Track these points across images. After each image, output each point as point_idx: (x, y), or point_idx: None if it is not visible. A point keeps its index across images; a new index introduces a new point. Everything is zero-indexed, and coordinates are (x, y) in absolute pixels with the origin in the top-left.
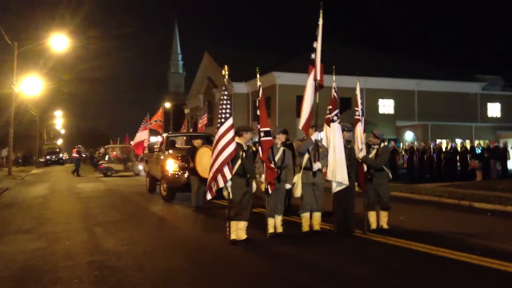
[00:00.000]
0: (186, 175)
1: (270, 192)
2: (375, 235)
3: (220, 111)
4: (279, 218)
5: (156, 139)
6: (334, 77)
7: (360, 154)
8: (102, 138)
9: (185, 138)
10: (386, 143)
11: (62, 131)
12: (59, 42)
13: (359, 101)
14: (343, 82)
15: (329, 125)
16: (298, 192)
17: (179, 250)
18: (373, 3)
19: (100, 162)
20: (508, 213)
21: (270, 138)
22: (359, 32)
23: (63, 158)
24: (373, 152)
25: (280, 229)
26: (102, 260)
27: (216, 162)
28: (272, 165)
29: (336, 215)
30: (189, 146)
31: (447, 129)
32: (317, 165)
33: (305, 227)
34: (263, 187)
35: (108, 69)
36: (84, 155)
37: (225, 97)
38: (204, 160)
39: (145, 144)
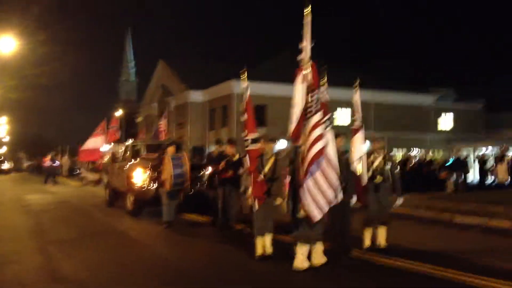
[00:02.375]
0: (155, 187)
1: (256, 207)
2: (376, 255)
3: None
4: (268, 238)
5: (109, 148)
6: (324, 79)
7: (357, 165)
8: (47, 146)
9: (148, 146)
10: None
11: (7, 138)
12: (6, 43)
13: (359, 108)
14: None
15: None
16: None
17: (153, 276)
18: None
19: (79, 170)
20: (493, 228)
21: (258, 146)
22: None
23: (8, 167)
24: (379, 160)
25: (269, 250)
26: None
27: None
28: (262, 177)
29: (331, 232)
30: (155, 155)
31: (403, 140)
32: None
33: None
34: (249, 202)
35: (58, 75)
36: (58, 162)
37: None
38: (167, 170)
39: (103, 152)
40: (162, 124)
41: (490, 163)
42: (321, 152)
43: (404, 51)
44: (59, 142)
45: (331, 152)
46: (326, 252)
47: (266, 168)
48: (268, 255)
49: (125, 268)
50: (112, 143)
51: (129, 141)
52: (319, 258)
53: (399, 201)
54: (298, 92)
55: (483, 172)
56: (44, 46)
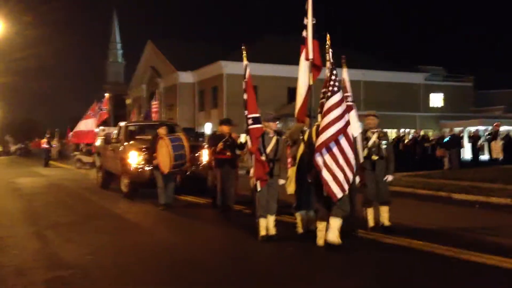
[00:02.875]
0: (150, 169)
1: (259, 188)
2: (381, 234)
3: (329, 84)
4: (271, 219)
5: (99, 129)
6: (329, 55)
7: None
8: (36, 130)
9: (143, 127)
10: None
11: None
12: None
13: (349, 86)
14: (294, 72)
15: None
16: (291, 189)
17: (160, 262)
18: None
19: (74, 153)
20: (493, 205)
21: (260, 125)
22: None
23: None
24: (375, 136)
25: (273, 231)
26: (65, 277)
27: (322, 137)
28: (263, 158)
29: None
30: (150, 137)
31: (393, 118)
32: None
33: (301, 228)
34: (252, 182)
35: (44, 58)
36: (54, 146)
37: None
38: (163, 153)
39: (98, 134)
40: (155, 105)
41: (482, 140)
42: (341, 131)
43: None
44: (48, 126)
45: (352, 132)
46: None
47: (268, 149)
48: (271, 236)
49: (128, 254)
50: (101, 126)
51: (123, 123)
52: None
53: (388, 178)
54: (302, 70)
55: (475, 150)
56: (30, 28)
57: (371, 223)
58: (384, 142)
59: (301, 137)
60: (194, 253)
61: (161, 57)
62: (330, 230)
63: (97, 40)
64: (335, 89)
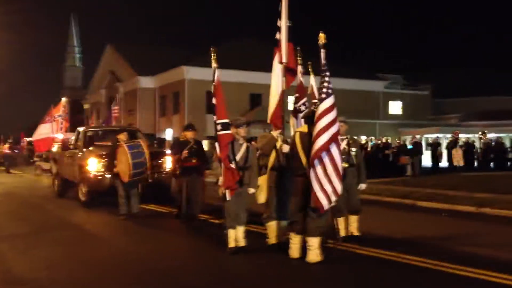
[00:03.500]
0: (110, 176)
1: (228, 198)
2: (352, 245)
3: (320, 87)
4: (241, 230)
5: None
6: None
7: None
8: None
9: (104, 132)
10: None
11: None
12: None
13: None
14: (255, 78)
15: (296, 117)
16: (262, 197)
17: (121, 275)
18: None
19: (34, 159)
20: (459, 213)
21: (229, 131)
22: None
23: None
24: (344, 143)
25: (242, 243)
26: None
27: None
28: (233, 165)
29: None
30: (109, 143)
31: (353, 126)
32: None
33: (272, 239)
34: (221, 192)
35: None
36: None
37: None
38: (123, 161)
39: (56, 140)
40: (115, 110)
41: (442, 147)
42: (333, 138)
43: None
44: (1, 130)
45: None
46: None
47: (238, 156)
48: (241, 247)
49: (87, 267)
50: (64, 132)
51: (81, 128)
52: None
53: (362, 187)
54: (275, 74)
55: (435, 157)
56: None
57: (342, 233)
58: (354, 149)
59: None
60: (159, 266)
61: (121, 61)
62: (311, 251)
63: (55, 44)
64: (329, 91)
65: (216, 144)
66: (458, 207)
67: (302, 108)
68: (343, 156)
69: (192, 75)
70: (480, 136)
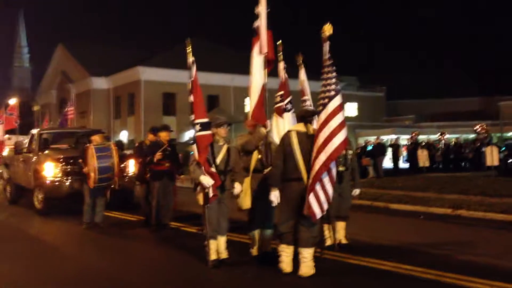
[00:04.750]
0: (69, 182)
1: (208, 205)
2: (341, 254)
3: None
4: (222, 240)
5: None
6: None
7: None
8: None
9: (60, 135)
10: None
11: None
12: None
13: (307, 90)
14: (212, 79)
15: (281, 116)
16: (247, 203)
17: None
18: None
19: None
20: (435, 215)
21: (209, 132)
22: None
23: None
24: None
25: (224, 254)
26: None
27: (320, 157)
28: (213, 170)
29: None
30: (66, 146)
31: None
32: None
33: (255, 250)
34: (200, 198)
35: None
36: None
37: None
38: (90, 164)
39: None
40: (71, 111)
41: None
42: (347, 140)
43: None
44: None
45: None
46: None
47: (218, 159)
48: (223, 259)
49: (51, 285)
50: (7, 134)
51: (36, 130)
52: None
53: (356, 192)
54: (256, 66)
55: (396, 158)
56: None
57: (329, 241)
58: (350, 152)
59: (260, 144)
60: (132, 282)
61: (73, 62)
62: (304, 263)
63: (3, 43)
64: (338, 87)
65: (194, 146)
66: (432, 209)
67: (289, 106)
68: (340, 159)
69: (148, 76)
70: (440, 137)
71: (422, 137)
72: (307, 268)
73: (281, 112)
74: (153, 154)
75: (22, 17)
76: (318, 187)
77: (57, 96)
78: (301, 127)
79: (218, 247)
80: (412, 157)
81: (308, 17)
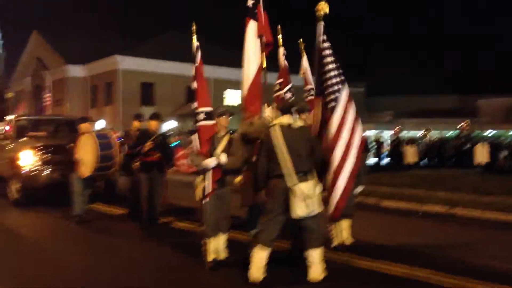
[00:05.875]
0: (47, 171)
1: (207, 199)
2: (348, 255)
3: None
4: (222, 239)
5: None
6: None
7: None
8: None
9: (38, 122)
10: None
11: None
12: None
13: (310, 79)
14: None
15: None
16: (199, 194)
17: None
18: None
19: None
20: (430, 214)
21: (212, 122)
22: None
23: None
24: None
25: (223, 254)
26: None
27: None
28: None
29: (293, 228)
30: (44, 133)
31: None
32: None
33: None
34: (199, 193)
35: None
36: None
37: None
38: (87, 151)
39: None
40: (48, 97)
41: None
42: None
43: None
44: None
45: None
46: (286, 253)
47: (218, 150)
48: (221, 261)
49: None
50: None
51: (11, 116)
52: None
53: (360, 188)
54: (251, 49)
55: (379, 154)
56: None
57: (336, 241)
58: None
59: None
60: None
61: (49, 49)
62: (313, 267)
63: None
64: (340, 80)
65: (194, 137)
66: (426, 207)
67: (288, 95)
68: None
69: (127, 65)
70: (425, 133)
71: (403, 133)
72: (316, 272)
73: (280, 101)
74: (142, 144)
75: None
76: (341, 183)
77: (32, 83)
78: (285, 119)
79: (217, 246)
80: (395, 153)
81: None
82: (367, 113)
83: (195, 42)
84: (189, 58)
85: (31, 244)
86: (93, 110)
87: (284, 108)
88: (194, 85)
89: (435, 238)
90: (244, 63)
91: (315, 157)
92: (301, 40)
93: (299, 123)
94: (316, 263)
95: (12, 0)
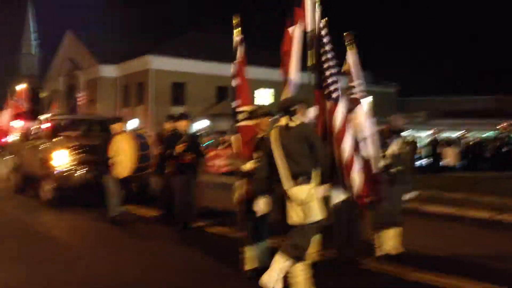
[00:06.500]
0: (82, 172)
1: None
2: (394, 264)
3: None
4: (263, 247)
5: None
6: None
7: (369, 148)
8: None
9: (73, 122)
10: None
11: None
12: None
13: (354, 74)
14: (224, 70)
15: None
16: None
17: None
18: None
19: None
20: (475, 220)
21: (254, 122)
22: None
23: None
24: (399, 142)
25: (263, 262)
26: None
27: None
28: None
29: (337, 236)
30: (79, 133)
31: None
32: None
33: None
34: (238, 196)
35: None
36: None
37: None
38: (125, 152)
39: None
40: (81, 97)
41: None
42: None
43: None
44: None
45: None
46: (331, 262)
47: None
48: (260, 269)
49: None
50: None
51: (46, 115)
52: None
53: (412, 194)
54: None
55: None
56: None
57: (381, 251)
58: (407, 150)
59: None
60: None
61: (82, 49)
62: (269, 271)
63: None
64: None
65: (235, 138)
66: (472, 212)
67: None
68: (394, 158)
69: (158, 65)
70: (462, 135)
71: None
72: (267, 276)
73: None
74: (173, 145)
75: (30, 3)
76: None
77: (65, 83)
78: (283, 120)
79: (256, 255)
80: (433, 155)
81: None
82: (399, 114)
83: (238, 36)
84: (219, 57)
85: (65, 248)
86: (124, 110)
87: (282, 107)
88: (235, 82)
89: (488, 246)
90: (290, 61)
91: (317, 155)
92: (347, 32)
93: (297, 121)
94: (273, 269)
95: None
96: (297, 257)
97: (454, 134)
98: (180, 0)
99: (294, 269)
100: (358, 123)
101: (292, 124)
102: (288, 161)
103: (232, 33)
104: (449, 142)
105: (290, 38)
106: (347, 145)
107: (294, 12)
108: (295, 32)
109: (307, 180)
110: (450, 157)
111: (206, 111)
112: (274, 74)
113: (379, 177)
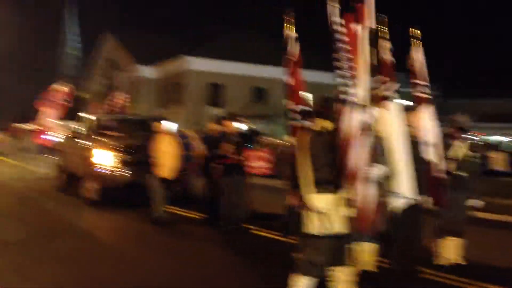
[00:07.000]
0: (127, 171)
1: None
2: (454, 276)
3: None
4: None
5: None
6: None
7: (430, 153)
8: None
9: (118, 122)
10: None
11: None
12: None
13: (424, 70)
14: (260, 71)
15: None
16: None
17: None
18: None
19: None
20: None
21: (308, 123)
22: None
23: None
24: (465, 145)
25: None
26: None
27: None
28: None
29: (396, 244)
30: (123, 133)
31: None
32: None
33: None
34: (290, 201)
35: None
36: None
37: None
38: (169, 152)
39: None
40: (121, 97)
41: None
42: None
43: None
44: None
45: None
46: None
47: None
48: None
49: None
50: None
51: (89, 116)
52: None
53: (477, 203)
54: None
55: None
56: None
57: (442, 260)
58: (475, 154)
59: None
60: None
61: (121, 50)
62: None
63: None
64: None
65: (291, 139)
66: None
67: (389, 94)
68: (461, 162)
69: (196, 66)
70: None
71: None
72: None
73: (381, 99)
74: (218, 146)
75: (72, 5)
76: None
77: (105, 83)
78: (317, 123)
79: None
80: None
81: None
82: (443, 116)
83: (291, 33)
84: (255, 58)
85: (109, 248)
86: (162, 110)
87: (319, 111)
88: (289, 80)
89: None
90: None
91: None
92: (412, 29)
93: (325, 127)
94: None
95: (86, 2)
96: (311, 274)
97: (495, 137)
98: (216, 1)
99: (335, 274)
100: (420, 125)
101: (326, 129)
102: (315, 166)
103: (268, 35)
104: (494, 147)
105: (354, 36)
106: (357, 153)
107: (356, 9)
108: (359, 30)
109: (335, 190)
110: (496, 162)
111: (243, 112)
112: (315, 76)
113: (442, 181)
